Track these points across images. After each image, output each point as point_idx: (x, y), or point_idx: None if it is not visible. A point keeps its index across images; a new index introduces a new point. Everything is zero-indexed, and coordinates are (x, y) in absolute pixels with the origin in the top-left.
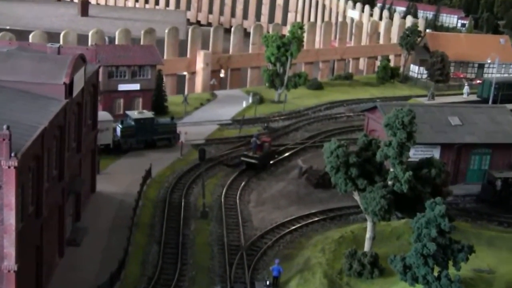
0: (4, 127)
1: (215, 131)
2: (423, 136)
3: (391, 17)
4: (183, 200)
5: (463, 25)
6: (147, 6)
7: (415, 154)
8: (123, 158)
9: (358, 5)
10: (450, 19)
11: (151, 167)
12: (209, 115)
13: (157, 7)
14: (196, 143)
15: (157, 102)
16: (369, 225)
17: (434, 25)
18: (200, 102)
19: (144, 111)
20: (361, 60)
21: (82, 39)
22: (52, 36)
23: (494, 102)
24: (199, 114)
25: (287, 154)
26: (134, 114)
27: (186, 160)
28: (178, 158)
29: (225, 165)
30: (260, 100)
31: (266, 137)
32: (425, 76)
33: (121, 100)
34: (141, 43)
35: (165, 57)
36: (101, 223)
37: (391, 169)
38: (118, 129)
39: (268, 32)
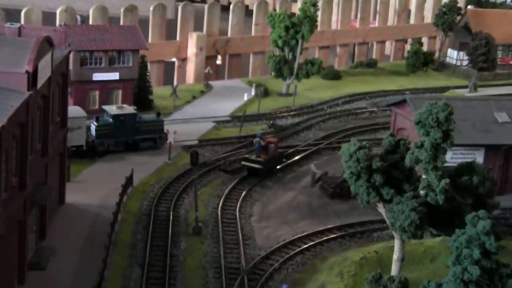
0: None
1: (210, 130)
2: (463, 136)
3: None
4: (171, 214)
5: None
6: None
7: (453, 158)
8: (99, 163)
9: None
10: None
11: (132, 173)
12: (203, 111)
13: None
14: (188, 145)
15: (140, 94)
16: (396, 244)
17: (477, 0)
18: (193, 95)
19: (125, 105)
20: (388, 43)
21: (48, 18)
22: (11, 14)
23: None
24: (191, 110)
25: (297, 157)
26: (112, 109)
27: (175, 165)
28: (166, 163)
29: (222, 171)
30: (264, 92)
31: (272, 137)
32: (465, 63)
33: (97, 93)
34: (121, 23)
35: (149, 40)
36: (71, 241)
37: (424, 176)
38: (93, 128)
39: (275, 10)
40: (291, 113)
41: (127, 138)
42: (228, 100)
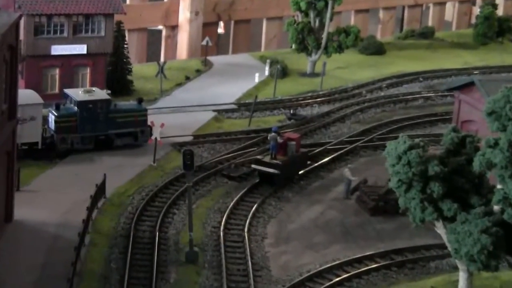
0: None
1: (209, 123)
2: None
3: None
4: (157, 235)
5: None
6: None
7: None
8: (60, 166)
9: None
10: None
11: (105, 180)
12: (200, 96)
13: None
14: (179, 142)
15: (116, 74)
16: (462, 277)
17: None
18: (186, 75)
19: (94, 89)
20: (449, 6)
21: None
22: None
23: None
24: (183, 95)
25: (326, 159)
26: (78, 94)
27: (162, 169)
28: (150, 166)
29: (225, 177)
30: (282, 72)
31: (293, 132)
32: None
33: (56, 72)
34: None
35: (127, 1)
36: (21, 272)
37: (498, 186)
38: (52, 119)
39: None
40: (318, 99)
41: (98, 132)
42: (234, 82)
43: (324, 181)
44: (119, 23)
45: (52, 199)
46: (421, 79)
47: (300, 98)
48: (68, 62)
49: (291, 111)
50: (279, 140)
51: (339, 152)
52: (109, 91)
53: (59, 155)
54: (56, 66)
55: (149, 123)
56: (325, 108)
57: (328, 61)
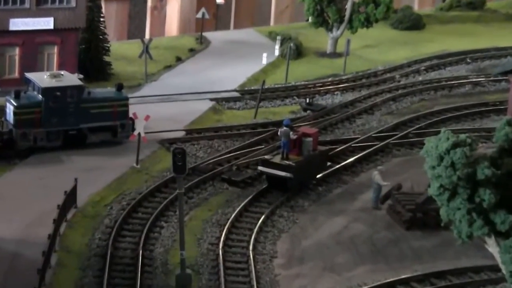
0: None
1: (205, 114)
2: None
3: None
4: (141, 253)
5: None
6: None
7: None
8: (20, 168)
9: None
10: None
11: (76, 186)
12: (195, 82)
13: None
14: (169, 138)
15: (90, 54)
16: None
17: None
18: (176, 56)
19: (63, 72)
20: None
21: None
22: None
23: None
24: (173, 80)
25: (350, 160)
26: (42, 79)
27: (147, 171)
28: (132, 168)
29: (226, 182)
30: (296, 51)
31: (309, 126)
32: None
33: (16, 51)
34: None
35: None
36: None
37: None
38: (10, 110)
39: None
40: (341, 86)
41: (68, 126)
42: (236, 64)
43: (347, 187)
44: None
45: (11, 210)
46: (468, 60)
47: (318, 84)
48: (31, 39)
49: (307, 100)
50: (292, 136)
51: (366, 151)
52: (81, 76)
53: (19, 154)
54: (16, 44)
55: (131, 115)
56: (349, 97)
57: (353, 37)
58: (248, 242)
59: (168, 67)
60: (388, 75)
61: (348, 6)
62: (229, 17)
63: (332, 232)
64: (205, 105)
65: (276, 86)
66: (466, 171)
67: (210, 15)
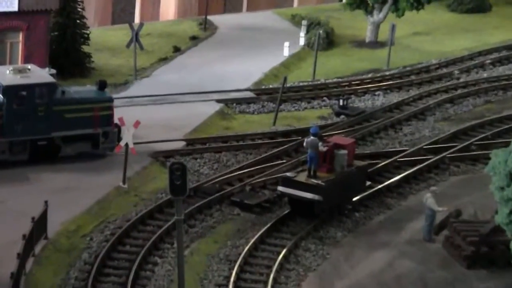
0: None
1: (211, 120)
2: None
3: None
4: None
5: None
6: None
7: None
8: None
9: None
10: None
11: (46, 211)
12: (197, 79)
13: None
14: (164, 150)
15: (65, 44)
16: None
17: None
18: (174, 45)
19: (30, 66)
20: None
21: None
22: None
23: None
24: (170, 76)
25: (395, 178)
26: (4, 75)
27: (136, 192)
28: (118, 188)
29: (237, 206)
30: (327, 39)
31: (343, 135)
32: None
33: None
34: None
35: None
36: None
37: None
38: None
39: None
40: (384, 84)
41: (36, 135)
42: (250, 55)
43: (392, 213)
44: None
45: None
46: None
47: (355, 82)
48: None
49: (341, 102)
50: (322, 147)
51: (416, 167)
52: (53, 70)
53: None
54: None
55: (116, 120)
56: (394, 98)
57: (399, 22)
58: (266, 283)
59: (164, 60)
60: (444, 70)
61: None
62: None
63: (373, 271)
64: (210, 108)
65: (301, 84)
66: None
67: None
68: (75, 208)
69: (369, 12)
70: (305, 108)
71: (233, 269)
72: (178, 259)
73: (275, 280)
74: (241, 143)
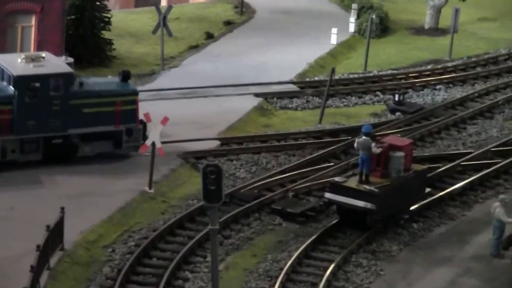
0: None
1: (248, 116)
2: None
3: None
4: None
5: None
6: None
7: None
8: None
9: None
10: None
11: (63, 219)
12: (233, 69)
13: None
14: (195, 151)
15: (83, 29)
16: None
17: None
18: (206, 31)
19: (45, 54)
20: None
21: None
22: None
23: None
24: (202, 66)
25: (459, 184)
26: (14, 63)
27: (164, 198)
28: (143, 194)
29: (278, 215)
30: (380, 25)
31: (399, 135)
32: None
33: None
34: None
35: None
36: None
37: None
38: None
39: None
40: (445, 77)
41: (51, 132)
42: (292, 43)
43: (455, 224)
44: None
45: None
46: None
47: (412, 74)
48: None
49: (396, 98)
50: (375, 149)
51: (482, 173)
52: (70, 59)
53: None
54: None
55: (141, 116)
56: (457, 93)
57: (463, 6)
58: None
59: (195, 48)
60: None
61: None
62: None
63: None
64: (248, 103)
65: (351, 76)
66: None
67: None
68: (94, 216)
69: None
70: (356, 103)
71: (273, 286)
72: (212, 274)
73: None
74: (282, 143)
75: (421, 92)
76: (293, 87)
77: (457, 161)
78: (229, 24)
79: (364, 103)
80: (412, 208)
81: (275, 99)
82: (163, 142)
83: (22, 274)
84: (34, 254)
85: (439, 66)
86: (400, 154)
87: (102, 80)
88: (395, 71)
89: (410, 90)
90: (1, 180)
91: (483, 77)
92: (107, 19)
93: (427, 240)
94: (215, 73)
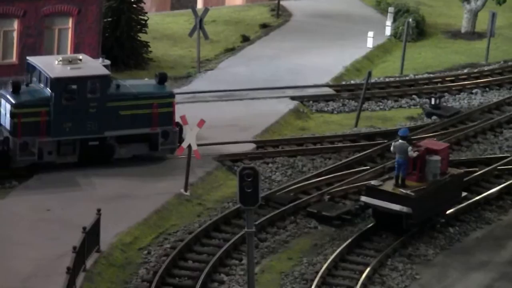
0: None
1: (284, 119)
2: None
3: None
4: None
5: None
6: None
7: None
8: (18, 194)
9: None
10: None
11: (99, 221)
12: (269, 72)
13: None
14: (232, 153)
15: (119, 32)
16: None
17: None
18: (242, 34)
19: (81, 56)
20: None
21: None
22: None
23: None
24: (238, 69)
25: (496, 189)
26: (52, 65)
27: (200, 201)
28: (179, 196)
29: (314, 218)
30: (417, 29)
31: (435, 139)
32: None
33: (14, 26)
34: None
35: None
36: None
37: None
38: (6, 110)
39: None
40: (482, 81)
41: (87, 134)
42: (329, 46)
43: (492, 228)
44: None
45: (5, 254)
46: None
47: (449, 78)
48: (35, 8)
49: (433, 101)
50: (412, 153)
51: None
52: (107, 61)
53: (17, 173)
54: (13, 15)
55: (177, 118)
56: (494, 97)
57: (500, 10)
58: None
59: (231, 51)
60: None
61: None
62: None
63: None
64: (284, 106)
65: (387, 80)
66: None
67: None
68: (130, 218)
69: None
70: (392, 107)
71: None
72: (248, 277)
73: None
74: (318, 146)
75: (457, 96)
76: (329, 90)
77: (494, 165)
78: (265, 27)
79: (400, 107)
80: (448, 212)
81: (311, 102)
82: (199, 145)
83: (59, 275)
84: (70, 255)
85: (475, 70)
86: (437, 158)
87: (139, 83)
88: (431, 75)
89: (446, 93)
90: (38, 181)
91: None
92: (143, 22)
93: (463, 244)
94: (251, 76)
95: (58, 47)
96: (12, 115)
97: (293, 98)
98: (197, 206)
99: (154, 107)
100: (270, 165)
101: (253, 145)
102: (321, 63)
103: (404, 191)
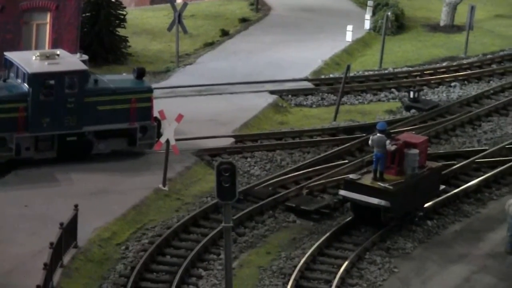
0: None
1: (263, 114)
2: None
3: None
4: None
5: None
6: None
7: None
8: None
9: None
10: None
11: (76, 217)
12: (248, 66)
13: None
14: (210, 148)
15: (98, 27)
16: None
17: None
18: (221, 29)
19: (59, 51)
20: None
21: None
22: None
23: None
24: (217, 64)
25: (473, 182)
26: (29, 61)
27: (179, 195)
28: (157, 191)
29: (293, 212)
30: (396, 22)
31: (414, 132)
32: None
33: None
34: None
35: None
36: None
37: None
38: None
39: None
40: (461, 73)
41: (65, 130)
42: (308, 40)
43: (470, 221)
44: None
45: None
46: None
47: (428, 71)
48: (13, 3)
49: (412, 95)
50: (390, 146)
51: (497, 170)
52: (85, 56)
53: None
54: None
55: (156, 113)
56: (473, 90)
57: (479, 3)
58: None
59: (210, 45)
60: None
61: None
62: None
63: (448, 287)
64: (263, 100)
65: (366, 73)
66: None
67: None
68: (108, 213)
69: None
70: (371, 101)
71: (287, 283)
72: (225, 272)
73: None
74: (297, 140)
75: (436, 89)
76: (308, 84)
77: (472, 158)
78: (245, 22)
79: (379, 100)
80: (426, 205)
81: (290, 96)
82: (177, 140)
83: (36, 271)
84: (47, 251)
85: (454, 63)
86: (415, 151)
87: (117, 78)
88: (410, 68)
89: (425, 87)
90: (16, 177)
91: (498, 74)
92: (122, 17)
93: (441, 237)
94: (230, 71)
95: (37, 43)
96: None
97: (272, 92)
98: (175, 201)
99: (132, 102)
100: (249, 159)
101: (232, 140)
102: (301, 57)
103: (382, 184)
